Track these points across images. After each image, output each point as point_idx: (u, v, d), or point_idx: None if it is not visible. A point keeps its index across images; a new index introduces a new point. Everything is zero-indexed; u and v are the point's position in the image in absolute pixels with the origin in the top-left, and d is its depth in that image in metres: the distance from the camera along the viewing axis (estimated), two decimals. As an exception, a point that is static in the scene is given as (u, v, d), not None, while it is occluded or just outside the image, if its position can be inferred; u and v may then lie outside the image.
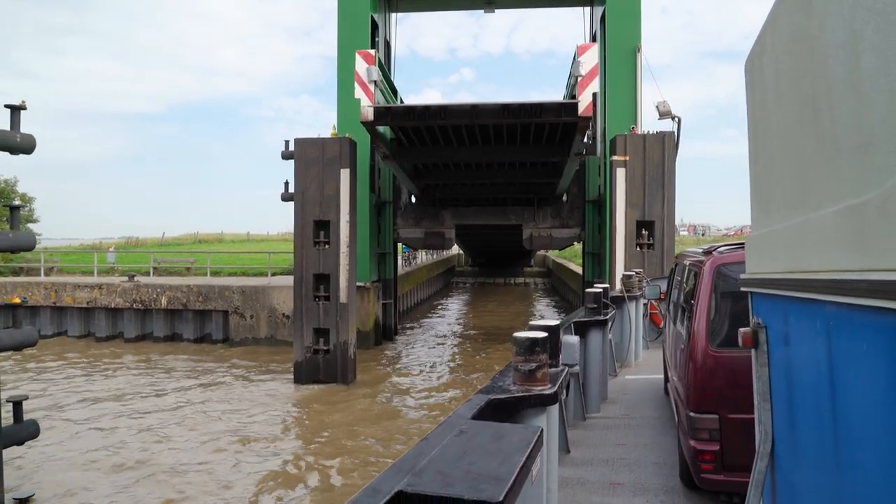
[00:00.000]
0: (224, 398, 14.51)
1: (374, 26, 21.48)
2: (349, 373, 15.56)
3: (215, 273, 26.06)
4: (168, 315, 21.21)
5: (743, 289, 3.00)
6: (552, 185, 19.94)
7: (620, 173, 15.24)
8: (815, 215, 1.85)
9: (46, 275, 25.11)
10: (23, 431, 8.70)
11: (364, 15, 20.71)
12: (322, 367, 15.37)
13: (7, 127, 8.74)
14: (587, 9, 23.14)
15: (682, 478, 5.34)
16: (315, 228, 15.47)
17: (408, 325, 26.00)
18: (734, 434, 4.30)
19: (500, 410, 3.14)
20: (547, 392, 3.33)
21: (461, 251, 49.84)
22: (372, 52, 14.43)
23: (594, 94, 14.01)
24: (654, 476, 5.60)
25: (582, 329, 7.81)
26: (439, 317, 30.59)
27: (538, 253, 46.99)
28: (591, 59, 13.71)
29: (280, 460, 10.73)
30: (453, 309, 34.32)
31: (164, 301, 20.99)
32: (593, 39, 22.86)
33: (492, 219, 22.15)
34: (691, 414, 4.57)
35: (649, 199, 15.15)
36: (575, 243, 23.00)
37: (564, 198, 21.85)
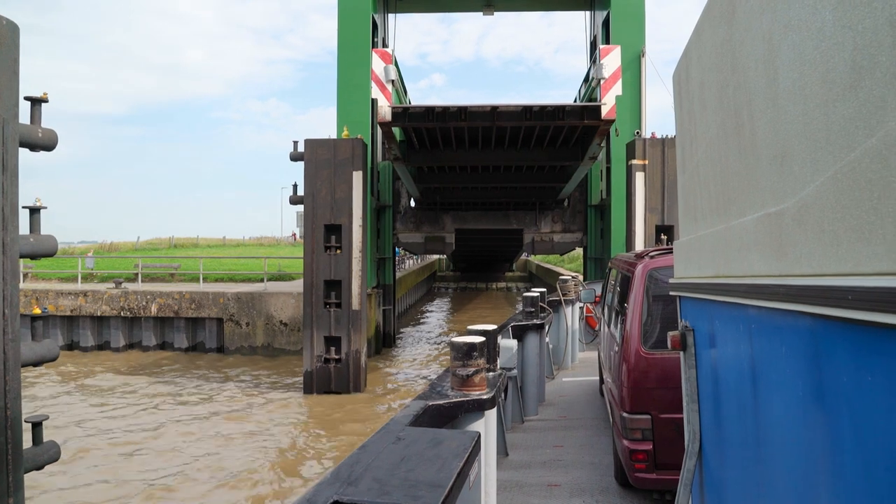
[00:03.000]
0: (233, 411, 13.80)
1: (374, 26, 21.00)
2: (361, 383, 15.00)
3: (198, 279, 25.05)
4: (158, 323, 20.25)
5: (672, 293, 3.08)
6: (557, 189, 19.74)
7: (639, 178, 15.10)
8: (738, 223, 1.90)
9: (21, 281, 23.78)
10: (44, 454, 7.94)
11: (365, 15, 20.21)
12: (334, 376, 14.77)
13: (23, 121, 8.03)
14: (587, 13, 23.08)
15: (617, 477, 5.44)
16: (326, 233, 14.88)
17: (403, 332, 25.48)
18: (666, 433, 4.40)
19: (438, 416, 3.15)
20: (485, 397, 3.36)
21: (444, 255, 49.45)
22: (389, 50, 14.00)
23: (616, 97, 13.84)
24: (590, 476, 5.67)
25: (519, 333, 7.89)
26: (431, 322, 30.15)
27: (521, 257, 46.93)
28: (613, 61, 13.54)
29: (308, 477, 10.16)
30: (442, 314, 33.92)
31: (153, 308, 20.04)
32: (593, 44, 22.83)
33: (493, 223, 21.84)
34: (624, 414, 4.66)
35: (668, 204, 15.03)
36: (577, 248, 22.86)
37: (566, 203, 21.70)
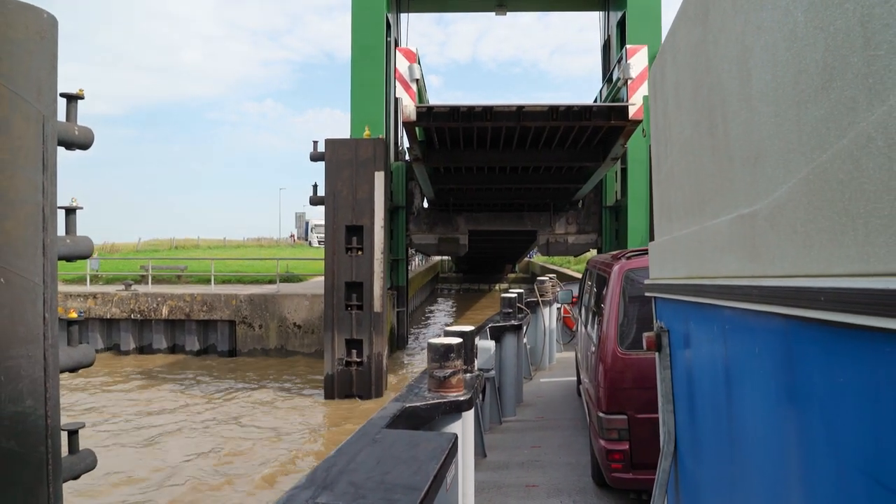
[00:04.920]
0: (253, 417, 13.54)
1: (387, 26, 20.80)
2: (383, 386, 14.78)
3: (205, 281, 24.72)
4: (168, 325, 19.95)
5: (647, 294, 3.13)
6: (573, 190, 19.58)
7: (664, 179, 14.90)
8: (712, 224, 1.91)
9: (25, 283, 23.34)
10: (80, 463, 7.66)
11: (379, 14, 20.00)
12: (355, 380, 14.54)
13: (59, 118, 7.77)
14: (600, 14, 22.97)
15: (594, 477, 5.47)
16: (347, 234, 14.66)
17: (413, 333, 25.27)
18: (642, 433, 4.41)
19: (415, 418, 3.12)
20: (462, 398, 3.33)
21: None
22: (413, 49, 13.78)
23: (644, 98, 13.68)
24: (567, 476, 5.71)
25: (497, 334, 7.89)
26: (439, 323, 29.97)
27: (524, 259, 46.86)
28: (641, 61, 13.37)
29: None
30: (448, 315, 33.77)
31: (164, 311, 19.73)
32: (606, 45, 22.72)
33: (507, 225, 21.67)
34: (601, 415, 4.67)
35: (694, 205, 14.85)
36: (591, 249, 22.73)
37: (580, 204, 21.55)
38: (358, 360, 14.57)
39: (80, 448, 7.89)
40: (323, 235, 53.19)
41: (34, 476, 6.49)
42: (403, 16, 22.57)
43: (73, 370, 7.87)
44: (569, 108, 13.56)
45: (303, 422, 13.05)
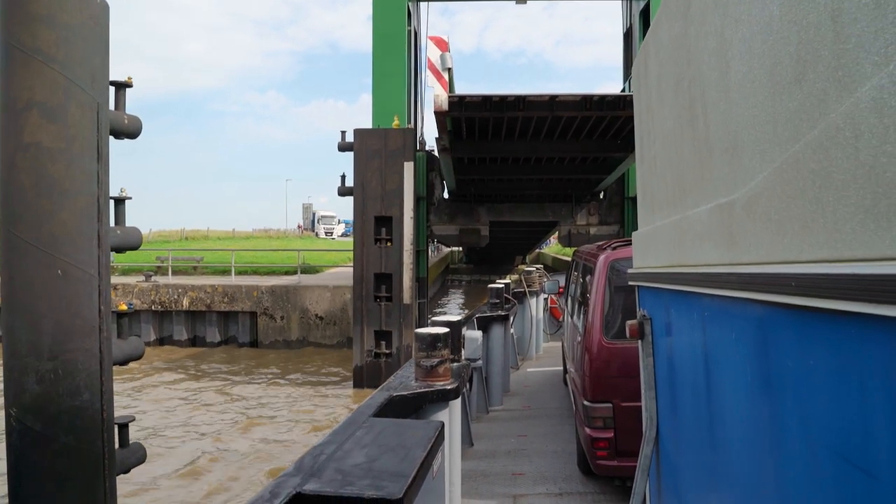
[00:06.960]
0: (281, 407, 13.48)
1: (408, 15, 20.56)
2: (411, 378, 14.71)
3: (221, 272, 24.62)
4: (189, 317, 19.87)
5: (630, 283, 3.18)
6: (597, 181, 19.42)
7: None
8: (692, 213, 1.96)
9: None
10: (131, 457, 7.58)
11: (401, 2, 19.75)
12: (384, 372, 14.46)
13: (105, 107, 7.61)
14: (623, 2, 22.70)
15: (580, 465, 5.56)
16: (376, 225, 14.53)
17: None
18: (627, 421, 4.45)
19: (402, 406, 3.16)
20: (449, 387, 3.36)
21: (458, 248, 49.17)
22: (445, 37, 13.58)
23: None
24: (553, 464, 5.80)
25: (484, 324, 7.93)
26: (453, 314, 29.88)
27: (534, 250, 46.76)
28: (676, 50, 13.17)
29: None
30: (460, 307, 33.68)
31: (185, 302, 19.65)
32: (628, 34, 22.46)
33: (529, 215, 21.51)
34: (587, 403, 4.73)
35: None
36: (613, 241, 22.61)
37: (602, 195, 21.40)
38: (387, 351, 14.49)
39: (130, 441, 7.81)
40: (329, 226, 53.33)
41: (92, 471, 6.39)
42: (423, 4, 22.32)
43: (123, 363, 7.76)
44: (602, 97, 13.40)
45: (332, 412, 12.99)
